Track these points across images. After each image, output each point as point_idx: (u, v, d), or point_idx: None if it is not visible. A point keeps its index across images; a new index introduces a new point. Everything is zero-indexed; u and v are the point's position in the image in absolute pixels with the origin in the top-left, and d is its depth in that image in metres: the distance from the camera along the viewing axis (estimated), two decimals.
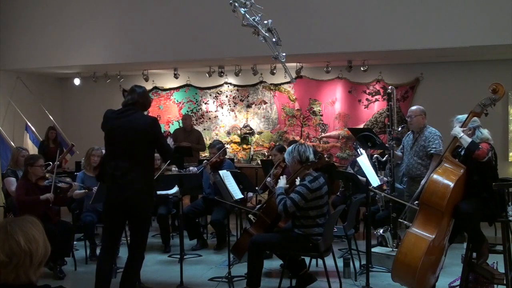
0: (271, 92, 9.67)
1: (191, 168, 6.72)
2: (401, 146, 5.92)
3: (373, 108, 9.16)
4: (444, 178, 4.08)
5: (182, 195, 5.25)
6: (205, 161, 6.46)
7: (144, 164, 4.04)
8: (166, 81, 10.13)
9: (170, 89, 10.19)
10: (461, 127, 4.20)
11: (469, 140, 4.09)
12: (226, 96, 9.91)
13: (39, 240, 1.86)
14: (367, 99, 9.19)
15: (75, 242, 5.96)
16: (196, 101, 10.07)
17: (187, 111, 10.00)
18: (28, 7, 8.78)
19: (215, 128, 9.99)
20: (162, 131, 9.96)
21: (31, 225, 1.88)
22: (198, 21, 7.84)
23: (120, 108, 4.19)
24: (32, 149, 8.57)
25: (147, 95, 4.35)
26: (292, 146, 4.51)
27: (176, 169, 6.74)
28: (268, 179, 6.22)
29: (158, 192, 5.99)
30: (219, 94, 9.95)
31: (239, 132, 9.82)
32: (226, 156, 6.95)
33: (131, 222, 4.14)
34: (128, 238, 4.91)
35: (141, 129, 4.01)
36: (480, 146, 4.05)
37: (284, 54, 3.98)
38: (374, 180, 5.17)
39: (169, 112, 10.20)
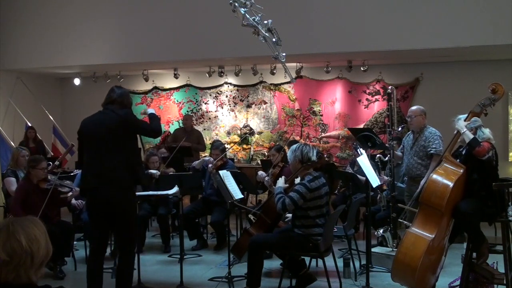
0: (271, 92, 9.67)
1: (205, 158, 6.74)
2: (401, 146, 5.93)
3: (373, 108, 9.16)
4: (443, 178, 4.09)
5: (182, 195, 5.25)
6: (210, 165, 6.44)
7: (123, 158, 3.96)
8: (166, 81, 10.13)
9: (170, 89, 10.20)
10: (465, 120, 4.21)
11: (471, 136, 4.10)
12: (226, 96, 9.92)
13: (41, 240, 1.86)
14: (367, 99, 9.19)
15: (75, 242, 5.96)
16: (196, 101, 10.07)
17: (187, 111, 10.00)
18: (28, 7, 8.78)
19: (215, 128, 9.99)
20: (163, 130, 10.06)
21: (33, 225, 1.88)
22: (198, 21, 7.84)
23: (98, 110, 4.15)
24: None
25: (127, 95, 4.21)
26: (296, 145, 4.52)
27: (174, 172, 6.71)
28: (267, 178, 6.22)
29: (158, 192, 5.99)
30: (219, 94, 9.95)
31: (239, 132, 9.82)
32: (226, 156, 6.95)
33: (115, 224, 4.09)
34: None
35: (115, 124, 3.94)
36: (481, 144, 4.06)
37: (284, 54, 3.97)
38: (374, 180, 5.17)
39: (169, 112, 10.20)
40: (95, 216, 4.09)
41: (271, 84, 9.60)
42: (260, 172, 6.51)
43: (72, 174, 6.68)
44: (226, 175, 5.01)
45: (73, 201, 5.67)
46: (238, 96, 9.86)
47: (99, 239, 4.15)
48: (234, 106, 9.90)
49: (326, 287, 4.38)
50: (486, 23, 6.85)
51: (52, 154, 8.84)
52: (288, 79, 9.16)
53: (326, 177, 4.64)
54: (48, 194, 5.11)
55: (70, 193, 5.48)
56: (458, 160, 4.23)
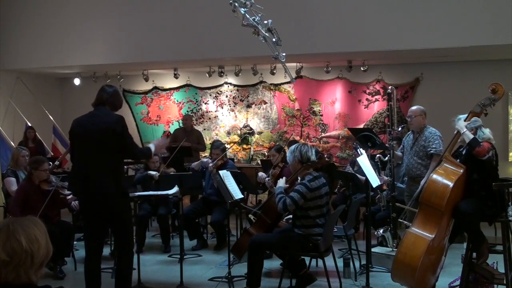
0: (271, 92, 9.67)
1: (203, 160, 6.74)
2: (401, 146, 5.93)
3: (373, 108, 9.16)
4: (443, 178, 4.09)
5: (182, 195, 5.25)
6: (210, 164, 6.44)
7: (111, 166, 3.93)
8: (166, 81, 10.13)
9: (170, 89, 10.19)
10: (465, 120, 4.21)
11: (471, 136, 4.11)
12: (226, 96, 9.91)
13: (41, 240, 1.86)
14: (367, 99, 9.19)
15: (75, 242, 5.95)
16: (196, 101, 10.07)
17: (187, 111, 10.00)
18: (28, 7, 8.78)
19: (215, 128, 9.99)
20: (163, 131, 10.07)
21: (33, 225, 1.88)
22: (198, 21, 7.84)
23: (89, 111, 4.09)
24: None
25: (118, 94, 4.18)
26: (295, 145, 4.52)
27: (174, 172, 6.72)
28: (267, 179, 6.23)
29: (158, 192, 6.00)
30: (219, 94, 9.95)
31: (239, 132, 9.82)
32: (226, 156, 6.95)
33: (110, 225, 4.10)
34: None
35: (106, 128, 3.88)
36: (481, 144, 4.06)
37: (284, 54, 3.98)
38: (374, 180, 5.17)
39: (169, 112, 10.19)
40: (88, 216, 4.07)
41: (271, 84, 9.60)
42: (260, 174, 6.51)
43: None
44: (226, 175, 5.01)
45: (72, 202, 5.67)
46: (238, 96, 9.86)
47: (94, 239, 4.13)
48: (234, 106, 9.90)
49: (326, 287, 4.38)
50: (486, 23, 6.84)
51: (52, 154, 8.84)
52: (288, 79, 9.16)
53: (326, 177, 4.64)
54: (48, 195, 5.11)
55: (71, 195, 5.47)
56: (458, 160, 4.23)
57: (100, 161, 3.90)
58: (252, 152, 9.76)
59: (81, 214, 4.16)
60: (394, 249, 5.33)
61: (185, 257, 5.65)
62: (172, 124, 10.14)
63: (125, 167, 6.96)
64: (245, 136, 9.70)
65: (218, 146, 6.56)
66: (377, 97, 9.13)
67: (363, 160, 5.30)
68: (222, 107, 9.95)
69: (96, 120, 3.95)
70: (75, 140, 4.06)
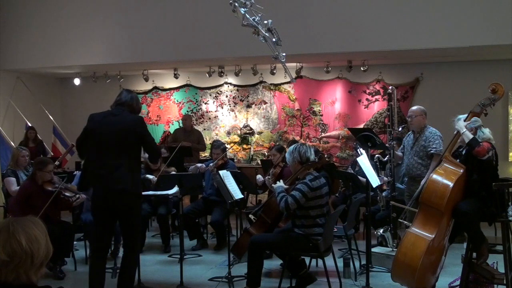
0: (271, 92, 9.67)
1: (198, 165, 6.72)
2: (402, 146, 5.93)
3: (373, 108, 9.16)
4: (443, 178, 4.09)
5: (182, 195, 5.25)
6: (211, 164, 6.45)
7: (130, 164, 4.02)
8: (166, 81, 10.13)
9: (170, 89, 10.19)
10: (465, 120, 4.22)
11: (471, 136, 4.11)
12: (226, 96, 9.91)
13: (41, 240, 1.86)
14: (367, 99, 9.19)
15: (75, 242, 5.95)
16: (196, 101, 10.07)
17: (187, 111, 10.00)
18: (28, 7, 8.78)
19: (215, 128, 9.99)
20: (163, 131, 10.07)
21: (33, 225, 1.88)
22: (198, 21, 7.84)
23: (107, 110, 4.16)
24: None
25: (137, 100, 4.28)
26: (293, 146, 4.51)
27: (175, 172, 6.72)
28: (267, 177, 6.24)
29: (158, 192, 6.01)
30: (219, 94, 9.95)
31: (239, 132, 9.82)
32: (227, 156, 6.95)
33: (120, 222, 4.12)
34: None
35: (127, 128, 3.99)
36: (481, 144, 4.06)
37: (284, 54, 3.98)
38: (374, 180, 5.17)
39: (169, 112, 10.20)
40: (99, 213, 4.10)
41: (271, 84, 9.60)
42: (258, 176, 6.52)
43: (74, 174, 6.68)
44: (226, 175, 5.01)
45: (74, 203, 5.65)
46: (238, 96, 9.86)
47: (102, 236, 4.14)
48: (234, 106, 9.90)
49: (326, 287, 4.38)
50: (486, 23, 6.84)
51: (52, 154, 8.84)
52: (288, 79, 9.17)
53: (327, 177, 4.64)
54: (51, 196, 5.10)
55: (78, 199, 5.44)
56: (458, 160, 4.23)
57: (118, 159, 3.96)
58: (252, 152, 9.76)
59: (92, 210, 4.19)
60: (394, 249, 5.33)
61: (185, 257, 5.65)
62: (172, 124, 10.15)
63: None
64: (245, 136, 9.69)
65: (218, 146, 6.56)
66: (377, 97, 9.14)
67: (363, 160, 5.30)
68: (222, 107, 9.95)
69: (117, 119, 4.04)
70: (93, 138, 4.09)
